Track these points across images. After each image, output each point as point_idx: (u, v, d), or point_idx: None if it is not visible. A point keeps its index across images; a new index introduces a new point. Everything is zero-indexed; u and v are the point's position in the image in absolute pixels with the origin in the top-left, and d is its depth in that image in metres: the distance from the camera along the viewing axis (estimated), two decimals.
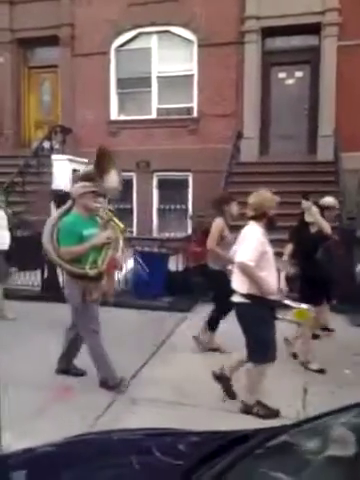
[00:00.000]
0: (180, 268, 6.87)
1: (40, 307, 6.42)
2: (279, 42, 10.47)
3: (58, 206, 5.89)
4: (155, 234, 11.05)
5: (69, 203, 4.05)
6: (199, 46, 10.70)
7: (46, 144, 11.03)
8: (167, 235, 10.58)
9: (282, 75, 10.56)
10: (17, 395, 3.57)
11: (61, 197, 6.18)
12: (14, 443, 2.94)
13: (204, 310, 6.49)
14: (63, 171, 10.58)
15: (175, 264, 6.87)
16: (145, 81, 11.31)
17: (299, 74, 10.49)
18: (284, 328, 4.87)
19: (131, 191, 11.34)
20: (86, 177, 4.16)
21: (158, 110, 11.33)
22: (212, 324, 4.96)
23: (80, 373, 4.20)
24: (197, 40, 10.71)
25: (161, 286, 6.64)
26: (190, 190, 11.03)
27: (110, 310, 6.02)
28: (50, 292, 6.67)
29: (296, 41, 10.33)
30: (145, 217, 11.28)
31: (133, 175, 11.26)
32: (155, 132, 11.01)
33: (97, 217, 4.06)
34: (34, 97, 12.55)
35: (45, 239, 3.89)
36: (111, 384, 3.95)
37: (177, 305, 6.24)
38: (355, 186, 9.06)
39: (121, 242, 4.04)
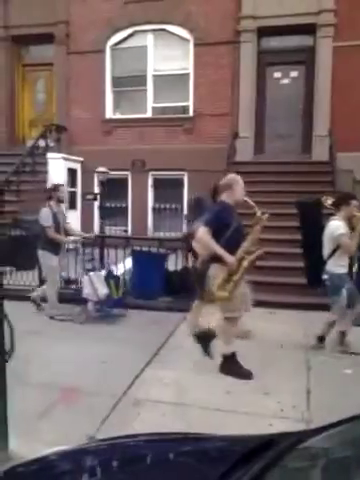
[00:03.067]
0: (179, 267, 6.87)
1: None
2: (274, 42, 10.50)
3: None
4: (150, 233, 11.04)
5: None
6: (195, 45, 10.70)
7: (41, 142, 10.95)
8: (162, 234, 10.62)
9: (277, 75, 10.60)
10: (23, 397, 3.56)
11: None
12: (21, 447, 2.95)
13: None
14: (58, 169, 10.53)
15: (173, 264, 6.88)
16: (141, 80, 11.28)
17: (294, 74, 10.53)
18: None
19: (126, 190, 11.32)
20: None
21: (153, 109, 11.31)
22: None
23: None
24: (193, 39, 10.70)
25: (160, 286, 6.64)
26: (185, 189, 11.04)
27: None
28: None
29: (292, 41, 10.37)
30: (140, 216, 11.26)
31: (128, 174, 11.24)
32: (150, 131, 10.99)
33: None
34: (28, 95, 12.45)
35: None
36: None
37: (176, 305, 6.25)
38: (350, 186, 9.13)
39: None
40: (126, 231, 11.26)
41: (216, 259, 4.13)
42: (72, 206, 11.02)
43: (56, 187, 6.41)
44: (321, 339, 4.99)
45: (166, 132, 10.89)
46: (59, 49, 11.54)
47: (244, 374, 4.22)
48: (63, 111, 11.49)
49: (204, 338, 4.62)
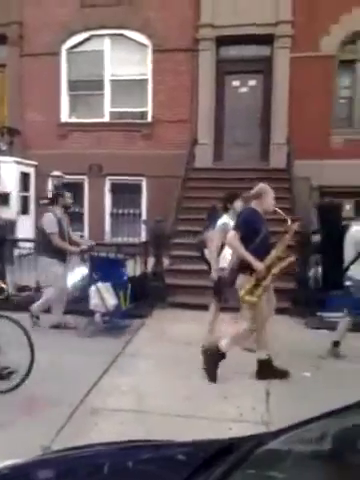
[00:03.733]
0: (137, 273, 6.77)
1: None
2: (233, 51, 10.64)
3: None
4: (108, 239, 10.87)
5: None
6: (154, 51, 10.68)
7: None
8: (120, 240, 10.48)
9: (236, 83, 10.75)
10: None
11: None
12: None
13: (162, 315, 6.46)
14: (10, 173, 10.23)
15: (132, 269, 6.76)
16: (98, 84, 11.14)
17: (252, 83, 10.71)
18: None
19: (82, 195, 11.11)
20: None
21: (111, 113, 11.19)
22: None
23: None
24: (152, 45, 10.69)
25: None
26: (144, 195, 10.96)
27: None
28: None
29: (250, 51, 10.54)
30: (97, 221, 11.08)
31: (85, 178, 11.05)
32: (108, 135, 10.87)
33: None
34: None
35: None
36: None
37: (135, 311, 6.13)
38: (306, 193, 9.35)
39: None
40: (82, 236, 11.03)
41: (244, 267, 4.19)
42: (24, 211, 10.71)
43: (62, 193, 6.08)
44: (336, 344, 4.96)
45: (124, 137, 10.80)
46: (12, 50, 11.23)
47: (282, 374, 4.29)
48: (16, 114, 11.17)
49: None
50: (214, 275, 5.00)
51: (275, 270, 4.17)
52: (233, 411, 3.70)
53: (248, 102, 10.63)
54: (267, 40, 10.15)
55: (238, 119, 10.58)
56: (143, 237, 10.13)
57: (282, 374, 4.32)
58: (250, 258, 4.10)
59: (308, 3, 9.78)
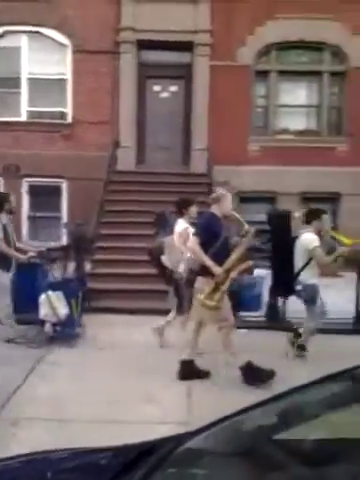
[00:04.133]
0: (59, 278, 6.58)
1: None
2: (154, 56, 10.73)
3: None
4: (25, 242, 10.44)
5: None
6: (74, 51, 10.48)
7: None
8: (38, 244, 10.12)
9: (157, 88, 10.86)
10: None
11: None
12: None
13: (85, 320, 6.32)
14: None
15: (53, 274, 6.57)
16: (14, 82, 10.68)
17: (174, 88, 10.88)
18: None
19: None
20: None
21: (29, 113, 10.78)
22: None
23: None
24: (71, 45, 10.48)
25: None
26: (64, 197, 10.69)
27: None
28: None
29: (171, 57, 10.69)
30: (13, 225, 10.57)
31: (0, 180, 10.55)
32: (26, 135, 10.46)
33: None
34: None
35: None
36: None
37: None
38: None
39: None
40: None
41: (204, 270, 4.25)
42: None
43: (6, 196, 5.69)
44: (303, 348, 5.06)
45: (43, 137, 10.46)
46: None
47: (268, 375, 4.25)
48: None
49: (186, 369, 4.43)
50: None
51: (234, 274, 4.28)
52: (157, 413, 3.74)
53: (170, 107, 10.79)
54: (187, 47, 10.37)
55: (160, 123, 10.70)
56: (64, 241, 9.87)
57: (204, 374, 4.42)
58: (210, 263, 4.18)
59: (225, 14, 10.14)
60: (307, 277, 4.93)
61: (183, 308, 5.18)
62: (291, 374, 4.06)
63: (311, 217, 5.10)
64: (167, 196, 9.01)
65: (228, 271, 4.25)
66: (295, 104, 11.00)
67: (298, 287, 4.98)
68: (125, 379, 4.32)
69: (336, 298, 5.56)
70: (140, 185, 9.36)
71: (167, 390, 4.16)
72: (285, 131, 10.91)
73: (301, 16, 10.09)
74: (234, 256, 4.30)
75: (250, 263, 4.50)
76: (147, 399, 3.97)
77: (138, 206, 8.81)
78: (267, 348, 4.96)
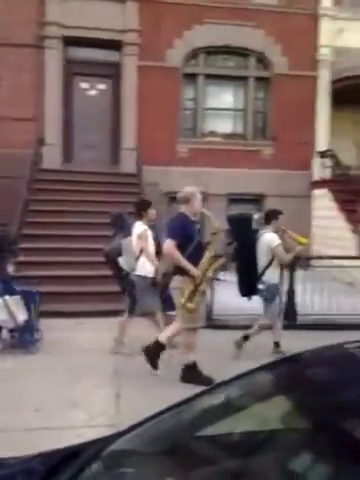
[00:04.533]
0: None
1: None
2: (82, 53, 10.53)
3: None
4: None
5: None
6: None
7: None
8: None
9: (85, 85, 10.66)
10: None
11: None
12: None
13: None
14: None
15: None
16: None
17: (102, 86, 10.74)
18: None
19: None
20: None
21: None
22: None
23: None
24: None
25: None
26: None
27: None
28: None
29: (99, 54, 10.54)
30: None
31: None
32: None
33: None
34: None
35: None
36: None
37: None
38: (156, 198, 9.66)
39: None
40: None
41: (180, 272, 4.22)
42: None
43: None
44: (246, 338, 5.15)
45: None
46: None
47: (206, 381, 4.04)
48: None
49: (154, 352, 4.44)
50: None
51: (209, 273, 4.30)
52: (83, 417, 3.65)
53: (98, 105, 10.63)
54: (116, 46, 10.28)
55: (88, 121, 10.51)
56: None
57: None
58: (189, 267, 4.17)
59: (154, 15, 10.18)
60: (270, 277, 5.11)
61: (136, 310, 5.15)
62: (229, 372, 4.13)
63: (270, 218, 5.29)
64: (96, 196, 8.88)
65: (204, 271, 4.26)
66: (222, 107, 11.29)
67: (261, 286, 5.11)
68: (57, 384, 4.18)
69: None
70: (67, 184, 9.12)
71: (93, 393, 4.08)
72: (213, 133, 11.17)
73: (227, 22, 10.38)
74: (208, 255, 4.28)
75: (224, 260, 4.53)
76: (72, 403, 3.87)
77: (67, 206, 8.58)
78: (206, 346, 5.04)
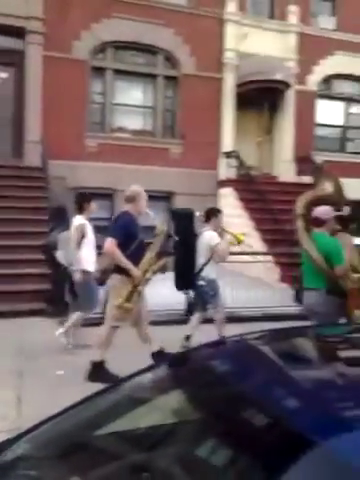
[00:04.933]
0: None
1: None
2: None
3: None
4: None
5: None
6: None
7: None
8: None
9: None
10: None
11: None
12: None
13: None
14: None
15: None
16: None
17: (4, 75, 10.15)
18: None
19: None
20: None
21: None
22: None
23: None
24: None
25: None
26: None
27: None
28: None
29: (0, 41, 9.94)
30: None
31: None
32: None
33: None
34: None
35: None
36: None
37: None
38: (62, 193, 9.38)
39: None
40: None
41: (120, 270, 4.18)
42: None
43: None
44: (188, 338, 5.18)
45: None
46: None
47: (113, 379, 3.86)
48: None
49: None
50: (78, 276, 4.91)
51: (149, 274, 4.28)
52: None
53: None
54: (19, 33, 9.77)
55: None
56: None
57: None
58: (130, 266, 4.14)
59: (60, 4, 9.86)
60: (209, 272, 5.25)
61: (81, 306, 5.10)
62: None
63: (209, 216, 5.45)
64: None
65: (144, 272, 4.24)
66: (131, 104, 11.25)
67: (201, 282, 5.25)
68: None
69: (168, 291, 5.85)
70: None
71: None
72: (122, 129, 11.09)
73: (136, 18, 10.35)
74: (149, 255, 4.27)
75: (165, 261, 4.53)
76: None
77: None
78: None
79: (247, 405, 1.25)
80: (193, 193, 10.41)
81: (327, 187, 5.79)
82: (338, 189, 5.49)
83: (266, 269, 8.84)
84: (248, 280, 8.10)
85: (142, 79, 11.26)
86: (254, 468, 1.08)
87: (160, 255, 4.53)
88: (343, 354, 1.69)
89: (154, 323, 5.09)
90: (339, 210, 4.53)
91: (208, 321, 5.44)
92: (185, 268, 5.44)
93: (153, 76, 11.19)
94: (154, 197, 10.82)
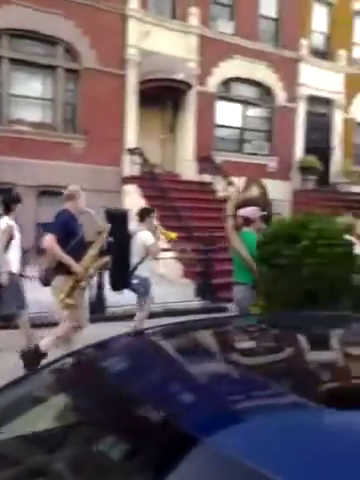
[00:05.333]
0: None
1: None
2: None
3: None
4: None
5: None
6: None
7: None
8: None
9: None
10: None
11: None
12: None
13: None
14: None
15: None
16: None
17: None
18: None
19: None
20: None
21: None
22: None
23: None
24: None
25: None
26: None
27: None
28: None
29: None
30: None
31: None
32: None
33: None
34: None
35: None
36: None
37: None
38: None
39: None
40: None
41: (61, 267, 4.22)
42: None
43: None
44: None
45: None
46: None
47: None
48: None
49: (32, 360, 4.23)
50: (4, 278, 4.85)
51: (91, 271, 4.40)
52: None
53: None
54: None
55: None
56: None
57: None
58: (71, 262, 4.19)
59: None
60: (143, 271, 5.43)
61: (11, 307, 5.03)
62: None
63: (143, 215, 5.62)
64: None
65: (86, 268, 4.31)
66: (30, 95, 10.75)
67: (135, 281, 5.41)
68: None
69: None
70: None
71: None
72: (20, 122, 10.54)
73: (35, 7, 9.91)
74: (92, 252, 4.35)
75: (107, 259, 4.60)
76: None
77: None
78: None
79: (135, 404, 1.25)
80: (98, 189, 10.23)
81: (253, 190, 6.17)
82: (263, 192, 6.03)
83: (169, 265, 9.00)
84: (155, 277, 8.17)
85: (41, 70, 10.80)
86: (143, 467, 1.10)
87: (102, 253, 4.62)
88: (240, 345, 1.74)
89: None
90: (264, 210, 4.97)
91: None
92: (120, 268, 5.58)
93: (53, 67, 10.79)
94: (56, 193, 10.50)
